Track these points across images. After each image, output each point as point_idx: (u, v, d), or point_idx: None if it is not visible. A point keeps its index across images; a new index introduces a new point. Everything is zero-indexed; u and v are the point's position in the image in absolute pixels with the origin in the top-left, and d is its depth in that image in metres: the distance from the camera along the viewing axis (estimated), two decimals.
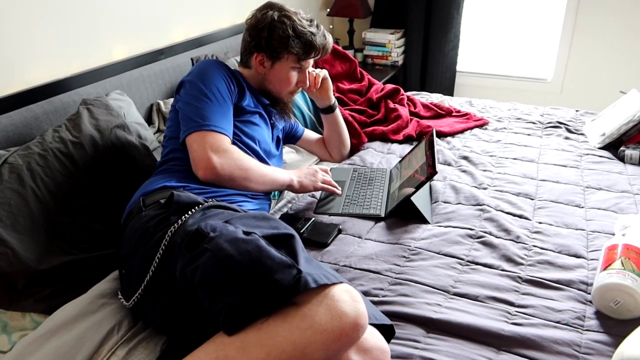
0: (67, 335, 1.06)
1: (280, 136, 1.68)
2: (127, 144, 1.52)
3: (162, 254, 1.06)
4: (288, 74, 1.51)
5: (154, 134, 1.88)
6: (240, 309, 0.88)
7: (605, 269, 1.17)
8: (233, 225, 1.01)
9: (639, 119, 1.90)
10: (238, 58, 1.62)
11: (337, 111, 1.81)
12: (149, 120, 1.94)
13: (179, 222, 1.08)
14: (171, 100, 1.97)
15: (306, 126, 2.06)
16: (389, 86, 2.34)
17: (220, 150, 1.29)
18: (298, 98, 2.09)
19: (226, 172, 1.29)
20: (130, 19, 1.93)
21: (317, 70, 1.71)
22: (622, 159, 1.87)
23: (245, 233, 0.97)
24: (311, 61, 1.57)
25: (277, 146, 1.63)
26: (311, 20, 1.52)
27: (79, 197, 1.36)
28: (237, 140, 1.41)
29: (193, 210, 1.11)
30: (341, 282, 0.93)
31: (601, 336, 1.07)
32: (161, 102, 1.95)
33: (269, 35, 1.45)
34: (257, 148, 1.47)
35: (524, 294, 1.21)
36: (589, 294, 1.19)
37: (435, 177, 1.75)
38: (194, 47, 2.20)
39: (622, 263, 1.15)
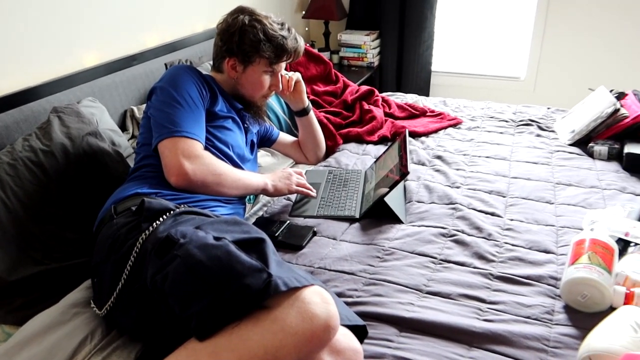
0: (39, 347, 1.05)
1: (255, 140, 1.68)
2: (100, 151, 1.51)
3: (133, 262, 1.05)
4: (260, 77, 1.52)
5: (128, 140, 1.86)
6: (211, 315, 0.89)
7: (573, 263, 1.19)
8: (204, 231, 1.01)
9: (606, 115, 1.95)
10: None
11: (312, 113, 1.82)
12: (123, 127, 1.93)
13: (150, 229, 1.08)
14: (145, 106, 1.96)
15: (281, 129, 2.06)
16: (364, 88, 2.36)
17: (193, 156, 1.29)
18: (273, 101, 2.10)
19: (199, 178, 1.29)
20: (102, 24, 1.92)
21: (290, 73, 1.71)
22: (591, 154, 1.92)
23: (216, 238, 0.97)
24: (283, 64, 1.57)
25: (252, 150, 1.63)
26: (282, 24, 1.52)
27: (50, 206, 1.35)
28: (210, 146, 1.41)
29: (164, 216, 1.11)
30: (312, 285, 0.94)
31: (569, 329, 1.10)
32: (135, 108, 1.94)
33: (240, 39, 1.46)
34: (231, 153, 1.47)
35: (495, 290, 1.23)
36: (558, 288, 1.22)
37: (409, 177, 1.77)
38: (167, 52, 2.19)
39: (589, 257, 1.18)
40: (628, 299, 1.11)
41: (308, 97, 1.82)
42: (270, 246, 1.00)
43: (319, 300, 0.91)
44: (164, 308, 0.99)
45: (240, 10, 1.50)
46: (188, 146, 1.30)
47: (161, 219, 1.10)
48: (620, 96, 2.07)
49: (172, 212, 1.13)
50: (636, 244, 1.28)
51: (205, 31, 2.46)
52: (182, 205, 1.20)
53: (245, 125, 1.58)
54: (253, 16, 1.48)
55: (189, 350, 0.90)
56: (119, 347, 1.09)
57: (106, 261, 1.10)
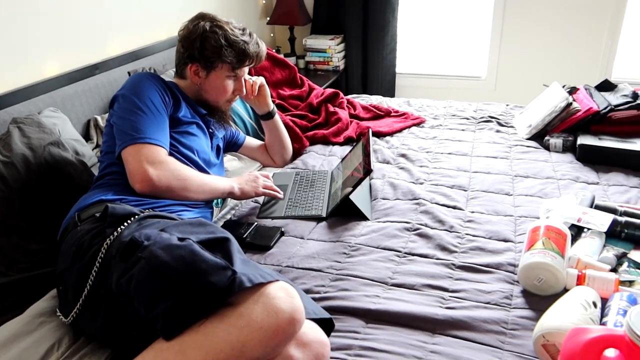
0: (5, 357, 1.04)
1: (221, 145, 1.69)
2: (62, 161, 1.50)
3: (98, 267, 1.06)
4: (223, 83, 1.53)
5: (93, 149, 1.85)
6: (177, 314, 0.90)
7: (529, 249, 1.25)
8: (168, 233, 1.02)
9: (560, 109, 2.03)
10: None
11: (277, 117, 1.84)
12: (87, 136, 1.92)
13: (115, 234, 1.08)
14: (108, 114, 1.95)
15: (247, 133, 2.08)
16: (329, 90, 2.40)
17: (156, 162, 1.30)
18: (238, 106, 2.12)
19: (163, 183, 1.30)
20: (63, 33, 1.90)
21: (254, 78, 1.74)
22: (547, 147, 2.00)
23: (180, 239, 0.99)
24: (246, 69, 1.59)
25: (217, 155, 1.65)
26: (244, 29, 1.55)
27: (13, 218, 1.34)
28: (175, 152, 1.41)
29: (129, 221, 1.12)
30: (277, 280, 0.96)
31: (526, 312, 1.15)
32: (99, 118, 1.93)
33: (201, 45, 1.47)
34: (196, 158, 1.48)
35: (457, 279, 1.27)
36: (516, 274, 1.27)
37: (374, 175, 1.81)
38: (130, 61, 2.18)
39: (543, 243, 1.24)
40: (580, 280, 1.16)
41: (274, 102, 1.84)
42: (234, 245, 1.02)
43: (283, 294, 0.93)
44: (131, 311, 0.99)
45: (201, 17, 1.52)
46: (151, 152, 1.31)
47: (125, 223, 1.11)
48: (572, 91, 2.16)
49: (136, 216, 1.14)
50: (588, 229, 1.35)
51: (168, 39, 2.46)
52: (148, 210, 1.21)
53: (210, 130, 1.60)
54: (214, 22, 1.50)
55: (155, 350, 0.91)
56: (87, 354, 1.09)
57: (71, 268, 1.10)
